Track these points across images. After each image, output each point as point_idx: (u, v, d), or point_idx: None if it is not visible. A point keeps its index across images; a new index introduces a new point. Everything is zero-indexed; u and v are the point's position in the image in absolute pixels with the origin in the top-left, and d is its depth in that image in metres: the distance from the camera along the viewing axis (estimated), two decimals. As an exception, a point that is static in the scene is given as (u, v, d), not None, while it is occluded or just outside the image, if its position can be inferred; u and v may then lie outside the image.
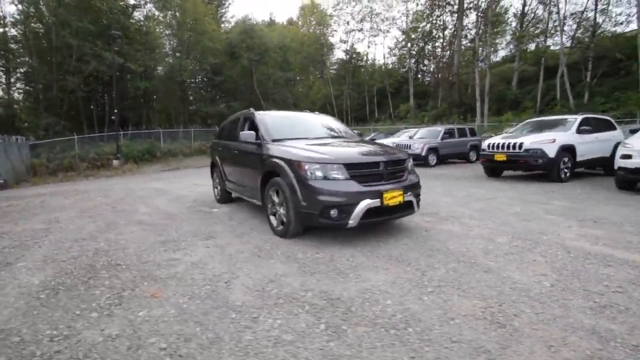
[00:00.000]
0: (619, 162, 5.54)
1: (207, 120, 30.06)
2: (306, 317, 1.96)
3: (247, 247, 3.24)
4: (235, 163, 4.77)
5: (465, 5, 24.72)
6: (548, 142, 6.81)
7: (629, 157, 5.34)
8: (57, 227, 4.42)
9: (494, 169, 8.03)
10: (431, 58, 32.50)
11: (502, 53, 29.97)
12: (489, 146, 7.63)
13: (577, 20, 19.82)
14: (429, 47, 31.66)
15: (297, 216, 3.22)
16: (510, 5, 31.57)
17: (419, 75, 32.39)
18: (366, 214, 3.03)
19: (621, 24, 18.80)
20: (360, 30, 33.04)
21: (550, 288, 2.25)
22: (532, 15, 23.31)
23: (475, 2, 23.81)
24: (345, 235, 3.48)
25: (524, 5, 22.13)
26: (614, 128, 8.00)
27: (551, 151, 6.71)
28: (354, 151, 3.48)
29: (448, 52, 28.43)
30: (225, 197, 5.60)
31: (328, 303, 2.11)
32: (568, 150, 6.91)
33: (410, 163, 3.68)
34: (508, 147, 7.19)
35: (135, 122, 24.14)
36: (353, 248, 3.10)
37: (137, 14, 24.81)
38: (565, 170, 6.92)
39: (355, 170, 3.13)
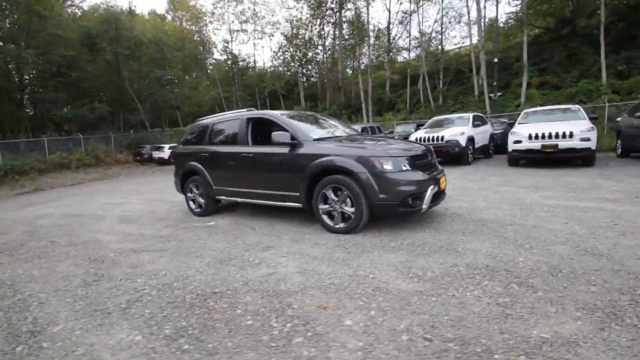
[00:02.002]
0: (512, 146, 7.65)
1: (62, 126, 24.02)
2: (490, 284, 2.23)
3: (328, 249, 3.16)
4: (244, 168, 4.34)
5: (343, 19, 27.73)
6: (459, 134, 8.72)
7: (519, 142, 7.46)
8: None
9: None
10: (313, 64, 34.89)
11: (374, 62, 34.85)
12: (416, 139, 9.12)
13: (428, 38, 25.11)
14: (311, 53, 33.94)
15: (373, 209, 3.35)
16: (378, 23, 37.09)
17: (311, 79, 34.26)
18: (431, 198, 3.45)
19: (457, 44, 24.92)
20: (244, 31, 32.53)
21: (565, 225, 3.20)
22: (395, 32, 28.12)
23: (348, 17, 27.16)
24: (392, 222, 3.80)
25: (389, 23, 26.47)
26: (486, 123, 10.81)
27: (462, 141, 8.63)
28: (401, 146, 3.82)
29: (330, 59, 31.13)
30: (211, 208, 4.98)
31: (470, 269, 2.43)
32: (471, 140, 9.01)
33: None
34: (433, 139, 8.81)
35: None
36: (422, 231, 3.47)
37: None
38: (470, 155, 9.00)
39: (416, 161, 3.49)
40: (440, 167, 4.03)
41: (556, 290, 2.10)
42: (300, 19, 31.02)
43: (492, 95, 18.44)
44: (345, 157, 3.44)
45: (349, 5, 28.12)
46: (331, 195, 3.56)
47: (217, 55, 34.56)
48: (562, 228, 3.25)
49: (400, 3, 28.58)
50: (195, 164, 5.00)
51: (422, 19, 25.89)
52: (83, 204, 7.66)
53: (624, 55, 16.37)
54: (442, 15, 23.94)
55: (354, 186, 3.36)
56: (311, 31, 31.94)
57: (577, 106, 8.21)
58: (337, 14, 28.12)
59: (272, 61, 33.42)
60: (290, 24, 31.13)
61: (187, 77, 36.05)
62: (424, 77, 23.18)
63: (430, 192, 3.39)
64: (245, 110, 4.74)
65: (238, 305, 2.21)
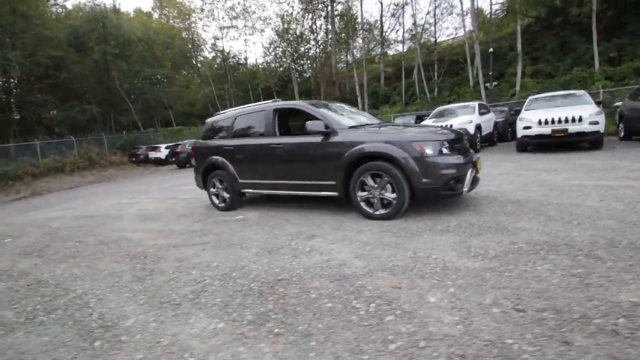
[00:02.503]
0: (522, 132, 7.76)
1: (53, 129, 23.45)
2: (557, 257, 2.26)
3: (375, 234, 3.16)
4: (273, 160, 4.30)
5: (335, 12, 27.60)
6: (467, 122, 8.80)
7: (529, 127, 7.57)
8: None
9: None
10: (305, 59, 34.67)
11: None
12: (424, 129, 9.18)
13: (421, 30, 25.20)
14: (303, 48, 33.71)
15: (417, 193, 3.37)
16: (371, 16, 36.70)
17: (304, 74, 34.04)
18: (470, 181, 3.48)
19: (450, 35, 25.07)
20: (235, 27, 32.10)
21: (602, 202, 3.27)
22: (388, 25, 28.12)
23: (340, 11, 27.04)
24: (430, 207, 3.83)
25: (381, 15, 26.46)
26: (489, 111, 10.93)
27: (471, 129, 8.72)
28: (435, 131, 3.83)
29: (323, 53, 30.98)
30: (236, 202, 4.94)
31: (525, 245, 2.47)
32: (478, 128, 9.11)
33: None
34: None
35: None
36: (463, 213, 3.50)
37: None
38: (478, 142, 9.11)
39: (455, 144, 3.51)
40: (473, 151, 4.06)
41: (623, 260, 2.14)
42: (292, 13, 30.78)
43: (487, 85, 18.63)
44: (385, 143, 3.43)
45: (341, -1, 27.97)
46: (370, 182, 3.56)
47: (207, 53, 34.13)
48: (601, 205, 3.32)
49: (392, -4, 28.43)
50: (218, 158, 4.93)
51: (415, 10, 26.01)
52: (91, 206, 7.52)
53: (615, 42, 16.70)
54: (435, 7, 24.01)
55: (395, 172, 3.36)
56: (302, 26, 31.77)
57: (582, 91, 8.38)
58: (329, 7, 27.97)
59: (264, 57, 33.06)
60: (282, 18, 30.83)
61: (177, 76, 35.51)
62: (419, 68, 23.28)
63: (470, 174, 3.42)
64: (270, 101, 4.69)
65: (310, 290, 2.19)
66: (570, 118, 7.00)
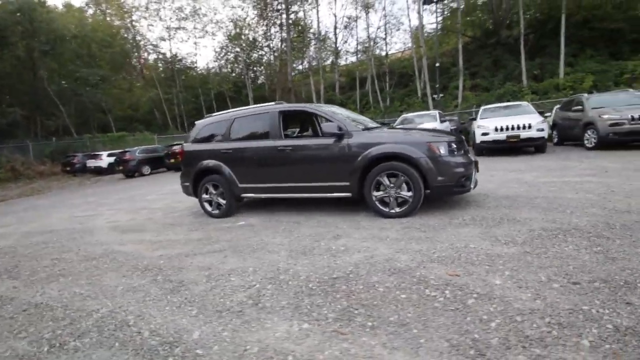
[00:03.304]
0: (480, 138, 8.64)
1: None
2: (574, 239, 2.60)
3: (399, 231, 3.29)
4: (280, 162, 4.23)
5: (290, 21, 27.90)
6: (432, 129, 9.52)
7: (487, 134, 8.47)
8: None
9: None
10: (258, 65, 34.30)
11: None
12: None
13: (373, 43, 26.64)
14: (256, 54, 33.35)
15: (432, 191, 3.58)
16: (326, 27, 37.31)
17: (257, 81, 33.52)
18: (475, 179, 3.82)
19: (398, 50, 26.87)
20: (183, 29, 30.63)
21: (578, 195, 3.85)
22: (342, 36, 29.18)
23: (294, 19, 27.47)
24: (433, 205, 4.10)
25: (335, 27, 27.40)
26: (446, 120, 11.95)
27: (436, 135, 9.45)
28: (440, 133, 4.11)
29: (278, 61, 30.98)
30: (232, 209, 4.74)
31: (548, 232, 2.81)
32: (441, 134, 9.90)
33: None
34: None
35: None
36: (467, 209, 3.81)
37: None
38: (441, 148, 9.88)
39: (460, 145, 3.83)
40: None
41: (626, 237, 2.56)
42: (245, 19, 30.37)
43: (435, 96, 20.33)
44: (402, 144, 3.62)
45: (295, 8, 28.43)
46: (386, 182, 3.71)
47: (151, 54, 31.93)
48: (578, 197, 3.88)
49: (345, 8, 29.70)
50: (214, 162, 4.70)
51: (368, 25, 27.43)
52: (38, 221, 6.54)
53: (538, 61, 19.48)
54: (385, 22, 25.62)
55: (412, 171, 3.56)
56: (255, 32, 31.51)
57: (526, 102, 9.62)
58: (283, 15, 28.20)
59: (216, 61, 31.98)
60: (235, 24, 30.22)
61: (116, 77, 32.61)
62: (372, 79, 24.54)
63: (475, 173, 3.76)
64: (273, 103, 4.61)
65: (374, 285, 2.23)
66: (521, 125, 8.00)
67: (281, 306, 2.09)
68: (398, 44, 30.43)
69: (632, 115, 6.99)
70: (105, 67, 26.43)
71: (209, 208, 4.90)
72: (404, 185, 3.64)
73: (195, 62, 33.54)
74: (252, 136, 4.54)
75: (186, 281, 2.65)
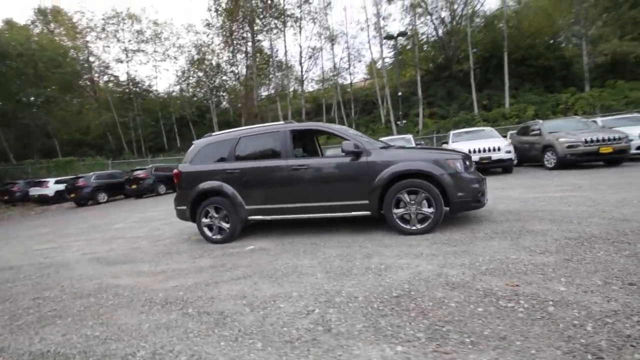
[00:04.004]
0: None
1: None
2: (601, 246, 2.78)
3: (429, 247, 3.30)
4: (294, 183, 4.10)
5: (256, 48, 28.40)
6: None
7: (462, 155, 9.05)
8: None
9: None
10: (222, 90, 33.99)
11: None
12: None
13: (337, 72, 27.91)
14: (219, 79, 33.09)
15: (452, 207, 3.67)
16: (292, 57, 38.25)
17: (220, 105, 32.98)
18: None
19: (361, 80, 28.40)
20: (143, 51, 29.62)
21: (571, 208, 4.21)
22: (307, 65, 30.19)
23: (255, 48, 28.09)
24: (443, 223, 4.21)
25: (301, 56, 28.36)
26: (420, 143, 12.66)
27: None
28: (450, 150, 4.29)
29: (243, 86, 31.01)
30: (235, 233, 4.45)
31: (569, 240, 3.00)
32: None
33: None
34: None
35: None
36: (481, 224, 3.95)
37: None
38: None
39: (471, 162, 4.02)
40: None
41: (643, 243, 2.81)
42: (209, 44, 30.29)
43: (398, 122, 21.56)
44: (423, 161, 3.71)
45: (261, 37, 29.06)
46: (406, 199, 3.74)
47: (107, 76, 30.19)
48: (574, 209, 4.22)
49: (310, 39, 31.01)
50: (217, 183, 4.42)
51: (334, 55, 28.74)
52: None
53: (486, 92, 21.72)
54: (349, 54, 27.12)
55: (433, 187, 3.64)
56: (219, 57, 31.49)
57: (490, 128, 10.53)
58: (249, 43, 28.63)
59: (177, 85, 31.14)
60: (199, 49, 29.96)
61: (62, 100, 30.15)
62: (339, 105, 25.47)
63: (486, 189, 3.95)
64: (282, 122, 4.52)
65: (442, 301, 2.17)
66: (491, 148, 8.70)
67: (358, 330, 1.93)
68: (360, 74, 32.15)
69: (585, 138, 7.95)
70: (54, 89, 24.36)
71: (209, 233, 4.54)
72: (424, 201, 3.71)
73: (155, 85, 32.30)
74: (262, 155, 4.38)
75: (227, 312, 2.37)
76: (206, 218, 4.55)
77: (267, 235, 4.62)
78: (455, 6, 23.85)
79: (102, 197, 14.54)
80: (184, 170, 4.71)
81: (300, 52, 28.12)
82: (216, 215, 4.48)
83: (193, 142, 5.05)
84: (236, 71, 31.93)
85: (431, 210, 3.68)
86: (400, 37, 21.16)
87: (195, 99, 32.53)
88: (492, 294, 2.19)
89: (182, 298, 2.74)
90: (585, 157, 8.10)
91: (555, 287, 2.19)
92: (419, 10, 24.59)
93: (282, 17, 27.83)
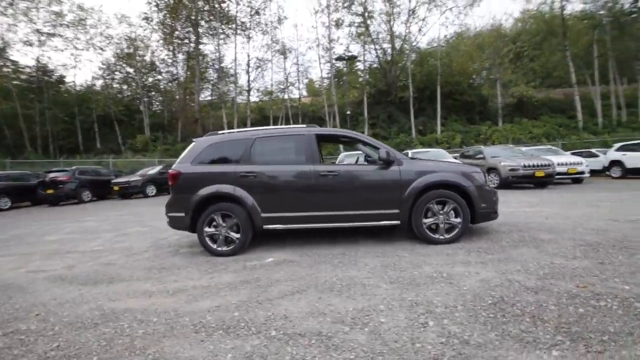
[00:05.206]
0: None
1: None
2: (620, 251, 3.20)
3: (467, 256, 3.39)
4: (322, 189, 3.86)
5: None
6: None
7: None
8: None
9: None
10: (155, 91, 30.99)
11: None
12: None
13: (285, 86, 27.94)
14: (152, 78, 30.19)
15: (476, 217, 3.86)
16: (239, 65, 35.96)
17: (151, 107, 29.85)
18: (496, 207, 4.34)
19: (306, 96, 28.86)
20: (61, 36, 25.39)
21: (554, 220, 4.86)
22: (254, 75, 29.52)
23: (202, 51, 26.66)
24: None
25: (249, 65, 27.67)
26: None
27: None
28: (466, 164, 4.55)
29: (182, 89, 28.78)
30: (246, 244, 3.99)
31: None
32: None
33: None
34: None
35: None
36: (499, 234, 4.25)
37: None
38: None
39: (485, 176, 4.32)
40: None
41: (641, 249, 3.34)
42: (143, 39, 27.58)
43: (346, 139, 22.40)
44: (452, 173, 3.86)
45: (205, 40, 27.67)
46: (435, 209, 3.83)
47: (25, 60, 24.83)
48: (555, 222, 4.83)
49: (259, 50, 30.56)
50: (229, 187, 3.92)
51: (285, 68, 28.51)
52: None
53: (421, 119, 24.11)
54: (297, 69, 27.48)
55: (460, 199, 3.80)
56: (154, 55, 28.92)
57: (443, 150, 11.64)
58: (192, 45, 26.96)
59: (101, 79, 27.38)
60: (131, 42, 26.99)
61: None
62: (288, 118, 25.39)
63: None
64: (303, 126, 4.25)
65: (541, 305, 2.22)
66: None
67: (495, 339, 1.85)
68: (311, 88, 32.68)
69: (524, 163, 9.34)
70: None
71: (212, 245, 3.96)
72: (452, 212, 3.84)
73: (74, 77, 27.86)
74: (283, 159, 4.04)
75: (325, 332, 2.04)
76: (210, 227, 3.96)
77: (277, 247, 4.22)
78: (396, 41, 26.32)
79: (4, 203, 11.65)
80: (184, 170, 4.06)
81: (248, 62, 27.52)
82: (224, 224, 3.94)
83: (193, 140, 4.42)
84: (174, 72, 29.61)
85: (459, 220, 3.83)
86: (349, 60, 22.34)
87: (121, 96, 29.01)
88: (576, 295, 2.34)
89: (243, 319, 2.28)
90: (523, 179, 9.48)
91: (618, 285, 2.44)
92: (364, 38, 26.44)
93: (231, 23, 27.01)
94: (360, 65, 27.50)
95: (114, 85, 28.67)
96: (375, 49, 27.23)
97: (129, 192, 13.40)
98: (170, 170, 4.14)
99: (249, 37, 27.34)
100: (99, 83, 28.03)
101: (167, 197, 4.22)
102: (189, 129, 26.64)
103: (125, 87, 29.45)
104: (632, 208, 5.69)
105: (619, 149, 12.08)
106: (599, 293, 2.34)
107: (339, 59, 21.89)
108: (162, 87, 30.63)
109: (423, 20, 27.19)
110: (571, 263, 3.00)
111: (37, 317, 2.55)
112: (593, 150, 14.59)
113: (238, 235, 3.94)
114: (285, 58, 27.33)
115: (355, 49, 26.90)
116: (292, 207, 3.93)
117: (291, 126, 4.38)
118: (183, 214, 4.00)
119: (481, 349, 1.76)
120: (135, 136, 25.20)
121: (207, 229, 3.96)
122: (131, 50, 27.61)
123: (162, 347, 2.00)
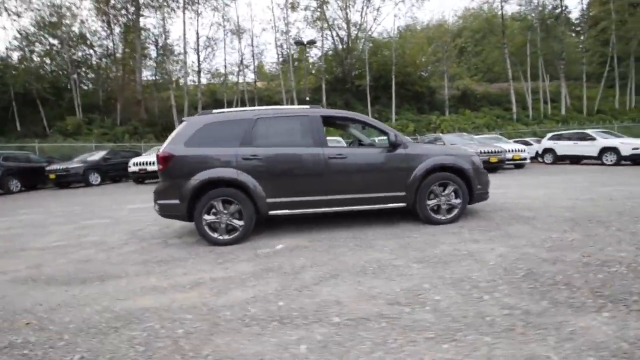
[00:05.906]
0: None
1: None
2: (628, 229, 3.64)
3: (478, 233, 3.60)
4: (331, 172, 3.75)
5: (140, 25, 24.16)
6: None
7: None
8: None
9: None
10: (86, 67, 27.30)
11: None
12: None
13: (241, 68, 26.55)
14: (82, 53, 26.52)
15: (473, 198, 4.09)
16: (188, 43, 32.31)
17: (83, 86, 26.23)
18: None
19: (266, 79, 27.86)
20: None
21: (529, 202, 5.40)
22: (204, 55, 27.47)
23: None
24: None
25: (198, 45, 25.65)
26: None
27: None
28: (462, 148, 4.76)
29: (120, 65, 25.74)
30: (249, 231, 3.77)
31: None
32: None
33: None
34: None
35: None
36: (484, 215, 4.55)
37: None
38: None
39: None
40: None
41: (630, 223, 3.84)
42: (71, 6, 23.97)
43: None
44: (454, 156, 4.02)
45: (147, 13, 25.00)
46: (438, 191, 3.98)
47: None
48: (529, 202, 5.34)
49: (209, 29, 28.39)
50: (232, 170, 3.62)
51: (240, 49, 26.79)
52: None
53: (377, 107, 24.84)
54: (252, 51, 26.25)
55: (461, 181, 4.00)
56: (83, 25, 25.39)
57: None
58: (133, 17, 24.15)
59: (20, 52, 23.30)
60: (55, 10, 23.23)
61: None
62: (244, 102, 24.28)
63: (485, 183, 4.59)
64: (307, 106, 4.04)
65: (566, 273, 2.43)
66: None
67: (550, 307, 1.97)
68: (264, 73, 31.39)
69: (480, 150, 10.16)
70: None
71: (212, 234, 3.65)
72: (452, 193, 4.03)
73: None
74: (287, 142, 3.81)
75: (386, 314, 2.00)
76: (209, 215, 3.64)
77: (281, 233, 4.04)
78: (352, 30, 26.52)
79: None
80: (176, 153, 3.63)
81: (197, 40, 25.53)
82: (225, 211, 3.65)
83: (184, 119, 3.96)
84: (109, 46, 26.33)
85: (459, 201, 4.03)
86: (308, 45, 21.96)
87: (43, 71, 25.09)
88: (587, 263, 2.60)
89: (292, 309, 2.14)
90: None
91: (615, 253, 2.77)
92: (320, 23, 26.16)
93: (176, -5, 24.66)
94: (317, 52, 27.22)
95: (35, 59, 24.62)
96: (332, 36, 27.18)
97: (68, 181, 11.74)
98: (159, 153, 3.67)
99: (197, 13, 25.33)
100: (16, 56, 23.84)
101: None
102: (129, 111, 24.11)
103: (48, 61, 25.48)
104: (580, 188, 6.55)
105: (550, 138, 13.77)
106: (605, 260, 2.64)
107: (298, 43, 21.37)
108: (94, 62, 27.11)
109: (377, 10, 27.68)
110: (565, 236, 3.34)
111: (29, 327, 2.11)
112: (527, 139, 16.44)
113: (241, 223, 3.68)
114: (240, 39, 25.90)
115: (312, 34, 26.52)
116: (300, 191, 3.77)
117: (294, 107, 4.16)
118: (177, 201, 3.61)
119: (544, 317, 1.87)
120: (65, 118, 22.07)
121: (206, 217, 3.63)
122: (55, 19, 23.83)
123: (217, 346, 1.78)
